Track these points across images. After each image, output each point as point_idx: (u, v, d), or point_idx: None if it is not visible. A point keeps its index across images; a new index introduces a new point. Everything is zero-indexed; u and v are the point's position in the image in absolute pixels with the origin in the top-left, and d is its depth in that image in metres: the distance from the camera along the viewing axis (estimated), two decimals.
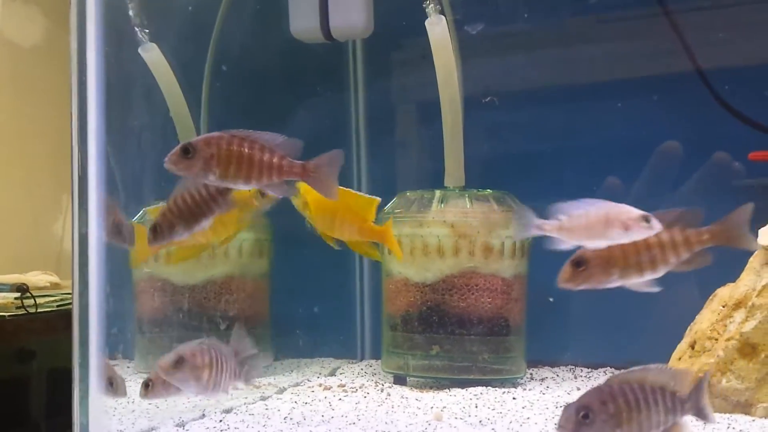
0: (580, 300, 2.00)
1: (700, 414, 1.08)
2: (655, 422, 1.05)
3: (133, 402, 1.70)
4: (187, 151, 1.18)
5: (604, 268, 1.11)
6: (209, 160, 1.18)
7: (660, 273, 1.14)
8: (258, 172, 1.20)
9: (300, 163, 1.22)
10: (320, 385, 1.89)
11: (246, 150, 1.19)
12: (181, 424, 1.48)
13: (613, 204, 1.18)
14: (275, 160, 1.20)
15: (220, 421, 1.50)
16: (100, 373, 1.37)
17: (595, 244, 1.15)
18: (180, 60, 1.92)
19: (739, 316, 1.50)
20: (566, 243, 1.18)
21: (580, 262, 1.11)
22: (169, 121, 1.90)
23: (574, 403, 1.02)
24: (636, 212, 1.12)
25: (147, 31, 1.86)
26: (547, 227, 1.18)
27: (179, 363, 1.27)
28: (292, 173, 1.22)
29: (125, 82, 1.77)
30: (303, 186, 1.54)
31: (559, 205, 1.18)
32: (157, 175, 1.83)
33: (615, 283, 1.12)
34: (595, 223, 1.15)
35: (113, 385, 1.43)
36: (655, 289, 1.15)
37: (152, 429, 1.46)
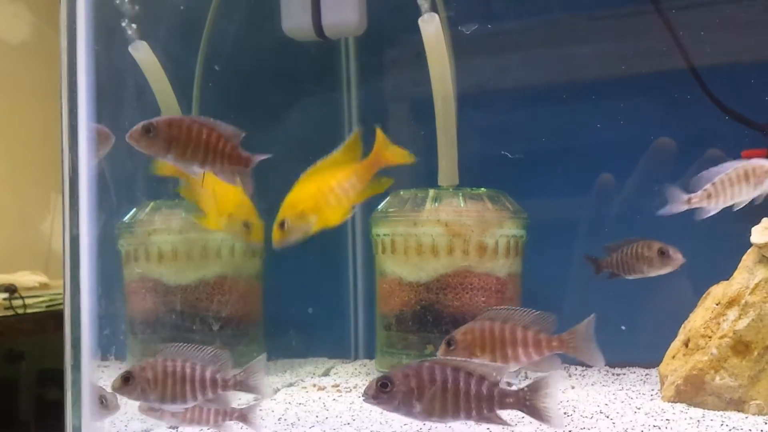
0: (573, 299, 2.01)
1: (535, 412, 1.12)
2: (465, 407, 1.10)
3: (126, 404, 1.68)
4: (149, 131, 1.28)
5: (468, 350, 1.23)
6: (169, 141, 1.29)
7: (512, 368, 1.24)
8: (212, 157, 1.31)
9: (247, 155, 1.34)
10: (314, 385, 1.88)
11: (204, 136, 1.30)
12: (174, 426, 1.47)
13: (746, 162, 1.30)
14: (227, 148, 1.31)
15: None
16: (92, 375, 1.35)
17: (739, 200, 1.31)
18: (171, 58, 1.90)
19: (732, 314, 1.50)
20: (712, 210, 1.33)
21: (450, 342, 1.23)
22: None
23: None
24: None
25: (137, 28, 1.84)
26: (695, 200, 1.32)
27: (127, 380, 1.26)
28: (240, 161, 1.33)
29: (116, 81, 1.75)
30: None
31: (702, 175, 1.31)
32: (149, 175, 1.81)
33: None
34: (735, 185, 1.29)
35: (104, 403, 1.41)
36: (511, 379, 1.26)
37: (145, 431, 1.44)
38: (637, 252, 1.57)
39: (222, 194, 1.67)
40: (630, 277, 1.58)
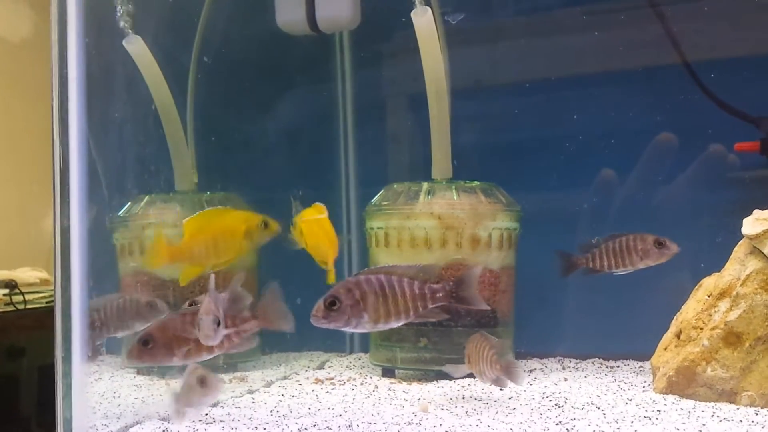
0: (568, 292, 2.01)
1: (463, 300, 1.23)
2: (404, 308, 1.19)
3: (118, 396, 1.69)
4: None
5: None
6: None
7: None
8: None
9: None
10: (315, 378, 1.89)
11: None
12: (167, 418, 1.48)
13: None
14: None
15: (206, 414, 1.50)
16: (83, 367, 1.36)
17: None
18: (165, 52, 1.91)
19: (723, 305, 1.50)
20: None
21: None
22: (151, 113, 1.89)
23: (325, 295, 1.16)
24: None
25: (131, 22, 1.84)
26: None
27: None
28: None
29: (107, 74, 1.75)
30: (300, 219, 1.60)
31: None
32: (140, 168, 1.82)
33: None
34: None
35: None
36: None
37: (137, 423, 1.45)
38: (629, 245, 1.57)
39: (229, 217, 1.68)
40: (618, 272, 1.59)
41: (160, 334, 1.33)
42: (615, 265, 1.57)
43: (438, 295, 1.24)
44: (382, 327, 1.22)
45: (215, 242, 1.63)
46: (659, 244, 1.56)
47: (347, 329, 1.21)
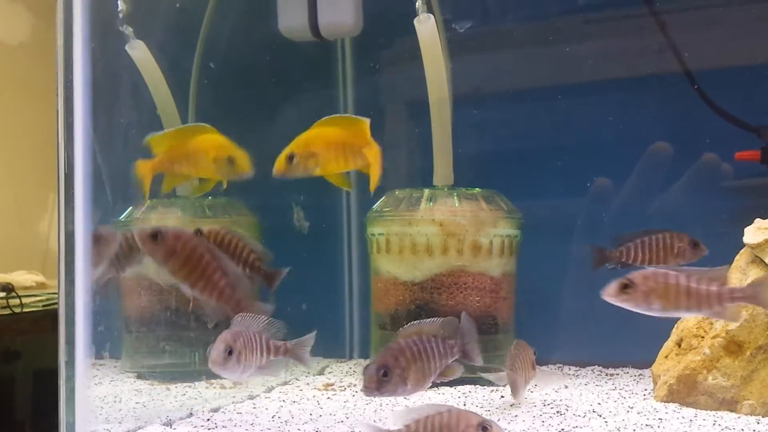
0: (568, 299, 2.01)
1: (467, 355, 1.29)
2: (434, 367, 1.22)
3: (120, 401, 1.69)
4: None
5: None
6: None
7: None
8: None
9: None
10: (324, 384, 1.88)
11: None
12: (169, 423, 1.48)
13: None
14: None
15: (208, 419, 1.50)
16: (86, 371, 1.36)
17: None
18: (168, 57, 1.91)
19: None
20: None
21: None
22: (156, 118, 1.89)
23: (372, 364, 1.16)
24: None
25: (133, 27, 1.84)
26: None
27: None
28: None
29: (112, 79, 1.75)
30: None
31: None
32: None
33: None
34: None
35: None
36: None
37: (139, 428, 1.45)
38: (666, 242, 1.56)
39: (202, 140, 1.67)
40: (650, 267, 1.57)
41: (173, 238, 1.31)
42: (649, 260, 1.56)
43: (453, 350, 1.27)
44: (419, 390, 1.23)
45: (187, 157, 1.65)
46: (694, 245, 1.55)
47: (393, 396, 1.23)
